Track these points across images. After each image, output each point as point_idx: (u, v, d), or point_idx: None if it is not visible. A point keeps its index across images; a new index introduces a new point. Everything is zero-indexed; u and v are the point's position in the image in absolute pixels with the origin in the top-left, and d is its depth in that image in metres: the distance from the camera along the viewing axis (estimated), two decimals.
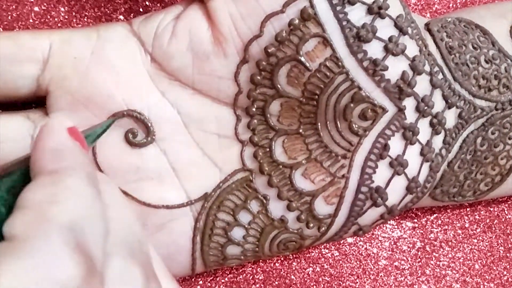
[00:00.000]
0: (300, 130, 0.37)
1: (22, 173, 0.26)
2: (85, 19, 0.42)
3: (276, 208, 0.37)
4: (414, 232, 0.46)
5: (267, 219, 0.37)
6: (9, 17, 0.41)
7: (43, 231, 0.22)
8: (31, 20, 0.41)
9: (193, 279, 0.42)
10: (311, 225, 0.37)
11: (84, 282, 0.22)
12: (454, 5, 0.47)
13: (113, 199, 0.27)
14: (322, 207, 0.37)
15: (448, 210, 0.46)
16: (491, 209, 0.47)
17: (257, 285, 0.43)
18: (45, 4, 0.42)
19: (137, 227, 0.28)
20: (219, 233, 0.37)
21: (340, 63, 0.35)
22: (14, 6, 0.41)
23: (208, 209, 0.37)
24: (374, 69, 0.35)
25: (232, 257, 0.38)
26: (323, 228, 0.38)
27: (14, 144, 0.36)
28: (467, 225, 0.46)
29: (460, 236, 0.46)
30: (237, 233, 0.38)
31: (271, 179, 0.37)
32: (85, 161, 0.26)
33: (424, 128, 0.37)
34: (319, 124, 0.36)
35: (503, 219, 0.47)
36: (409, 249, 0.45)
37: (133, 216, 0.28)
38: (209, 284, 0.43)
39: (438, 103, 0.37)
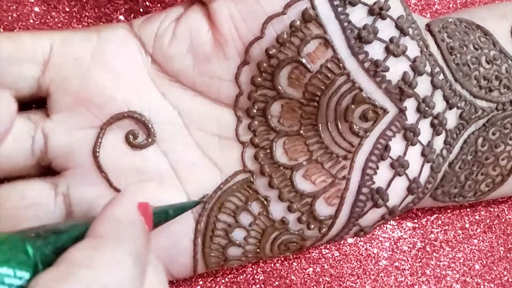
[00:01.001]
0: (301, 131, 0.37)
1: (75, 235, 0.26)
2: (86, 20, 0.42)
3: (277, 210, 0.37)
4: (414, 233, 0.46)
5: (268, 220, 0.37)
6: (10, 18, 0.41)
7: None
8: (31, 21, 0.41)
9: (193, 279, 0.42)
10: (312, 226, 0.37)
11: None
12: (454, 6, 0.47)
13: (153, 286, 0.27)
14: (323, 208, 0.37)
15: (448, 211, 0.46)
16: (491, 209, 0.47)
17: (257, 285, 0.43)
18: (45, 4, 0.42)
19: None
20: (220, 234, 0.37)
21: (341, 65, 0.35)
22: (14, 7, 0.41)
23: (209, 211, 0.37)
24: (375, 70, 0.35)
25: (233, 258, 0.38)
26: (324, 229, 0.38)
27: (14, 145, 0.36)
28: (467, 226, 0.46)
29: (460, 237, 0.46)
30: (238, 234, 0.37)
31: (272, 180, 0.37)
32: (141, 239, 0.26)
33: (425, 129, 0.37)
34: (320, 125, 0.36)
35: (503, 220, 0.47)
36: (409, 250, 0.45)
37: None
38: (209, 284, 0.43)
39: (439, 104, 0.37)
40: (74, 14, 0.42)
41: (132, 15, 0.42)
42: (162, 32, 0.36)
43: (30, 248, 0.24)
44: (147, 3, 0.42)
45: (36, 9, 0.41)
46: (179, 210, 0.32)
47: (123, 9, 0.42)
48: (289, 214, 0.37)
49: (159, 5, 0.42)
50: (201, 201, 0.36)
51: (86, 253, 0.23)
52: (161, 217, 0.30)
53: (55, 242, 0.25)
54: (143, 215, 0.27)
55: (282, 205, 0.37)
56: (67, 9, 0.42)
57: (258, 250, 0.38)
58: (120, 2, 0.42)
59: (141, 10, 0.42)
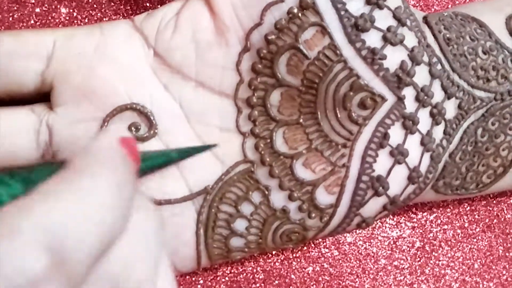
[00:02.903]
0: (300, 120, 0.37)
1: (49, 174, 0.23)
2: (86, 20, 0.43)
3: (278, 199, 0.37)
4: (413, 232, 0.46)
5: (269, 209, 0.37)
6: (11, 18, 0.42)
7: (15, 223, 0.20)
8: (32, 21, 0.42)
9: (193, 278, 0.42)
10: (313, 215, 0.38)
11: (44, 281, 0.20)
12: (453, 6, 0.48)
13: (138, 228, 0.24)
14: (323, 197, 0.37)
15: (448, 210, 0.46)
16: (491, 208, 0.47)
17: (258, 284, 0.43)
18: (46, 5, 0.42)
19: (145, 270, 0.25)
20: (222, 225, 0.37)
21: (338, 52, 0.35)
22: (15, 7, 0.42)
23: (210, 202, 0.37)
24: (373, 57, 0.36)
25: (236, 249, 0.38)
26: (325, 218, 0.38)
27: (19, 137, 0.36)
28: (466, 225, 0.47)
29: (460, 236, 0.46)
30: (239, 224, 0.38)
31: (272, 169, 0.37)
32: (122, 171, 0.23)
33: (424, 118, 0.37)
34: (319, 113, 0.37)
35: (502, 219, 0.47)
36: (408, 249, 0.45)
37: (150, 257, 0.25)
38: (209, 283, 0.43)
39: (438, 94, 0.38)
40: (74, 15, 0.42)
41: (133, 15, 0.43)
42: (165, 25, 0.37)
43: (18, 185, 0.22)
44: (147, 4, 0.43)
45: (37, 9, 0.42)
46: (184, 153, 0.29)
47: (124, 10, 0.43)
48: (290, 203, 0.37)
49: (159, 5, 0.43)
50: (211, 146, 0.33)
51: (56, 185, 0.21)
52: (161, 159, 0.28)
53: (25, 179, 0.23)
54: (127, 148, 0.24)
55: (282, 194, 0.37)
56: (68, 10, 0.42)
57: (260, 240, 0.38)
58: (120, 2, 0.43)
59: (142, 10, 0.43)
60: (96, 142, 0.24)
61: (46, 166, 0.24)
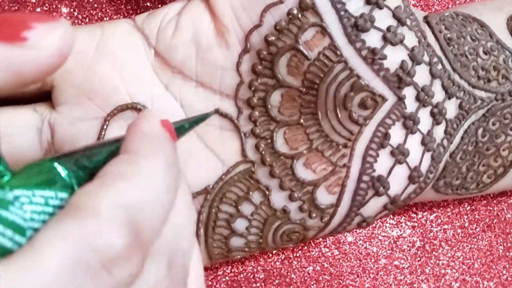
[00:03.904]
0: (301, 121, 0.37)
1: (107, 154, 0.26)
2: (87, 20, 0.43)
3: (278, 199, 0.38)
4: (413, 231, 0.46)
5: (269, 209, 0.38)
6: None
7: (97, 202, 0.22)
8: None
9: None
10: (314, 215, 0.38)
11: (123, 257, 0.22)
12: (453, 6, 0.48)
13: (181, 202, 0.27)
14: (324, 197, 0.37)
15: (448, 210, 0.46)
16: (491, 208, 0.47)
17: (258, 284, 0.43)
18: (47, 4, 0.42)
19: (189, 240, 0.28)
20: (222, 225, 0.37)
21: (338, 52, 0.35)
22: (16, 7, 0.42)
23: (210, 202, 0.37)
24: (373, 58, 0.36)
25: (237, 249, 0.38)
26: (326, 218, 0.38)
27: (21, 137, 0.36)
28: (466, 224, 0.47)
29: (460, 235, 0.46)
30: (240, 224, 0.38)
31: (273, 169, 0.37)
32: (171, 152, 0.26)
33: (424, 118, 0.37)
34: (319, 113, 0.37)
35: (502, 219, 0.47)
36: (408, 248, 0.45)
37: (191, 228, 0.28)
38: (210, 282, 0.43)
39: (438, 93, 0.38)
40: (75, 14, 0.42)
41: (133, 16, 0.43)
42: (166, 25, 0.37)
43: (65, 171, 0.25)
44: (148, 4, 0.43)
45: (38, 9, 0.42)
46: (193, 123, 0.32)
47: (124, 9, 0.43)
48: (290, 203, 0.38)
49: (160, 5, 0.43)
50: (212, 113, 0.36)
51: (121, 168, 0.24)
52: (179, 131, 0.30)
53: (88, 164, 0.26)
54: (168, 131, 0.27)
55: (283, 194, 0.37)
56: (69, 10, 0.42)
57: (261, 240, 0.38)
58: (121, 3, 0.43)
59: (142, 11, 0.43)
60: (144, 124, 0.26)
61: (103, 148, 0.27)
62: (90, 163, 0.26)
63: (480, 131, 0.40)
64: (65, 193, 0.24)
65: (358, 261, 0.45)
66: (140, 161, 0.24)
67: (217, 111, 0.37)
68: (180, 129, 0.30)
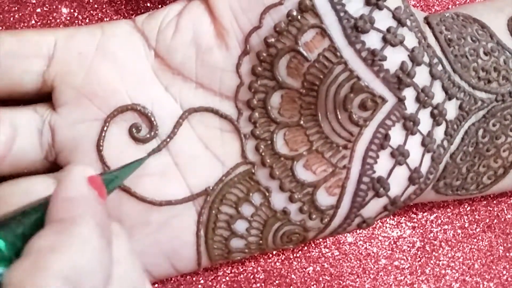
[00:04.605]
0: (301, 122, 0.37)
1: (38, 219, 0.26)
2: (87, 21, 0.43)
3: (279, 200, 0.38)
4: (414, 232, 0.46)
5: (269, 211, 0.38)
6: (11, 19, 0.42)
7: (38, 279, 0.22)
8: (33, 22, 0.42)
9: (194, 278, 0.42)
10: (314, 216, 0.38)
11: None
12: (453, 7, 0.48)
13: (122, 255, 0.27)
14: (324, 198, 0.37)
15: (448, 210, 0.46)
16: (491, 209, 0.47)
17: (258, 284, 0.43)
18: (47, 5, 0.42)
19: (139, 284, 0.28)
20: (222, 226, 0.37)
21: (338, 53, 0.35)
22: (16, 8, 0.42)
23: (211, 203, 0.37)
24: (373, 59, 0.35)
25: (237, 250, 0.38)
26: (326, 220, 0.38)
27: (22, 139, 0.36)
28: (466, 225, 0.47)
29: (460, 236, 0.46)
30: (240, 225, 0.38)
31: (273, 171, 0.37)
32: (99, 211, 0.26)
33: (425, 119, 0.37)
34: (319, 115, 0.37)
35: (502, 219, 0.47)
36: (409, 249, 0.45)
37: (139, 276, 0.28)
38: (210, 283, 0.43)
39: (438, 94, 0.38)
40: (75, 15, 0.42)
41: (133, 16, 0.43)
42: (165, 26, 0.37)
43: (3, 242, 0.25)
44: (148, 4, 0.43)
45: (38, 10, 0.42)
46: (126, 171, 0.32)
47: (125, 10, 0.43)
48: (290, 205, 0.38)
49: (160, 6, 0.43)
50: (145, 158, 0.36)
51: (50, 239, 0.24)
52: (111, 184, 0.30)
53: (20, 231, 0.25)
54: (95, 187, 0.27)
55: (283, 196, 0.37)
56: (69, 10, 0.42)
57: (261, 241, 0.38)
58: (121, 3, 0.43)
59: (142, 11, 0.43)
60: (67, 188, 0.26)
61: (36, 212, 0.26)
62: (25, 230, 0.25)
63: (480, 132, 0.40)
64: (2, 267, 0.24)
65: (358, 262, 0.45)
66: (68, 229, 0.24)
67: (149, 155, 0.37)
68: (112, 181, 0.30)
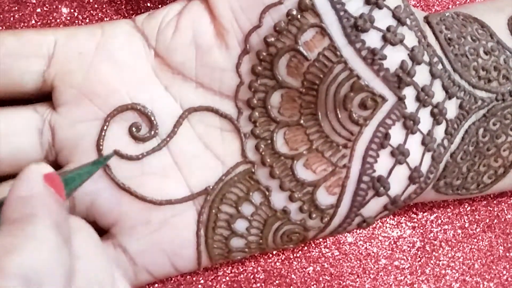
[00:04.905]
0: (301, 121, 0.37)
1: None
2: (87, 20, 0.43)
3: (279, 199, 0.38)
4: (414, 232, 0.46)
5: (269, 210, 0.38)
6: (12, 19, 0.42)
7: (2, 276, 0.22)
8: (33, 21, 0.42)
9: (194, 278, 0.42)
10: (314, 215, 0.38)
11: None
12: (453, 6, 0.48)
13: (84, 250, 0.27)
14: (324, 197, 0.37)
15: (448, 210, 0.46)
16: (491, 209, 0.47)
17: (258, 284, 0.43)
18: (47, 5, 0.42)
19: (107, 281, 0.28)
20: (222, 225, 0.37)
21: (338, 53, 0.35)
22: (16, 8, 0.42)
23: (211, 202, 0.37)
24: (373, 58, 0.36)
25: (237, 249, 0.38)
26: (326, 219, 0.38)
27: (22, 138, 0.36)
28: (466, 225, 0.47)
29: (460, 236, 0.46)
30: (240, 225, 0.38)
31: (273, 170, 0.37)
32: (55, 209, 0.26)
33: (425, 118, 0.37)
34: (319, 114, 0.37)
35: (502, 219, 0.47)
36: (409, 249, 0.45)
37: (105, 269, 0.28)
38: (210, 283, 0.43)
39: (438, 93, 0.38)
40: (75, 14, 0.42)
41: (134, 16, 0.43)
42: (165, 25, 0.37)
43: None
44: (148, 4, 0.43)
45: (38, 10, 0.42)
46: (90, 170, 0.31)
47: (125, 10, 0.43)
48: (290, 204, 0.38)
49: (160, 6, 0.43)
50: (111, 155, 0.35)
51: (6, 240, 0.24)
52: (73, 181, 0.29)
53: None
54: (52, 185, 0.26)
55: (283, 195, 0.37)
56: (69, 10, 0.42)
57: (261, 241, 0.38)
58: (121, 3, 0.43)
59: (142, 11, 0.43)
60: (22, 187, 0.26)
61: None
62: None
63: (480, 131, 0.40)
64: None
65: (358, 262, 0.45)
66: (23, 229, 0.24)
67: (116, 153, 0.36)
68: (73, 179, 0.29)
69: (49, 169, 0.27)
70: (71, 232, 0.27)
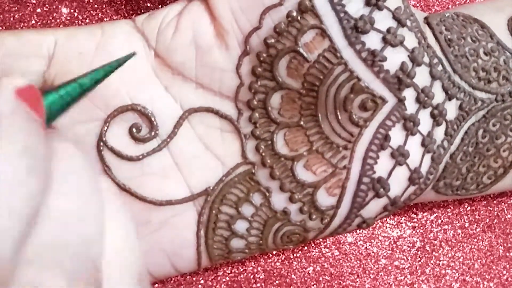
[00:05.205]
0: (301, 122, 0.37)
1: None
2: (87, 21, 0.43)
3: (279, 200, 0.38)
4: (414, 232, 0.46)
5: (269, 211, 0.38)
6: (12, 19, 0.42)
7: None
8: (33, 22, 0.42)
9: (194, 278, 0.42)
10: (314, 216, 0.38)
11: None
12: (453, 7, 0.48)
13: (64, 174, 0.22)
14: (324, 199, 0.37)
15: (448, 210, 0.46)
16: (491, 208, 0.47)
17: (258, 284, 0.43)
18: (47, 5, 0.42)
19: (93, 223, 0.23)
20: (222, 226, 0.37)
21: (338, 54, 0.35)
22: (16, 8, 0.42)
23: (211, 203, 0.37)
24: (373, 59, 0.35)
25: (237, 250, 0.38)
26: (326, 220, 0.38)
27: None
28: (466, 225, 0.47)
29: (460, 236, 0.46)
30: (240, 226, 0.38)
31: (273, 171, 0.37)
32: (26, 128, 0.21)
33: (425, 119, 0.37)
34: (319, 115, 0.37)
35: (502, 219, 0.47)
36: (409, 249, 0.46)
37: (92, 208, 0.23)
38: (210, 283, 0.43)
39: (438, 95, 0.38)
40: (75, 15, 0.42)
41: (134, 16, 0.43)
42: (165, 26, 0.37)
43: None
44: (148, 4, 0.43)
45: (38, 10, 0.42)
46: (98, 75, 0.26)
47: (125, 10, 0.43)
48: (290, 205, 0.38)
49: (160, 6, 0.43)
50: (124, 58, 0.28)
51: None
52: (74, 92, 0.25)
53: None
54: (27, 99, 0.22)
55: (283, 196, 0.37)
56: (69, 10, 0.42)
57: (261, 241, 0.38)
58: (121, 3, 0.43)
59: (142, 11, 0.43)
60: None
61: None
62: None
63: (480, 132, 0.40)
64: None
65: (359, 262, 0.45)
66: None
67: (118, 63, 0.28)
68: (61, 97, 0.24)
69: (22, 82, 0.23)
70: (53, 153, 0.22)
